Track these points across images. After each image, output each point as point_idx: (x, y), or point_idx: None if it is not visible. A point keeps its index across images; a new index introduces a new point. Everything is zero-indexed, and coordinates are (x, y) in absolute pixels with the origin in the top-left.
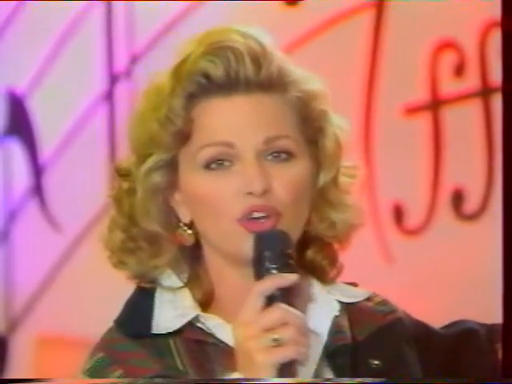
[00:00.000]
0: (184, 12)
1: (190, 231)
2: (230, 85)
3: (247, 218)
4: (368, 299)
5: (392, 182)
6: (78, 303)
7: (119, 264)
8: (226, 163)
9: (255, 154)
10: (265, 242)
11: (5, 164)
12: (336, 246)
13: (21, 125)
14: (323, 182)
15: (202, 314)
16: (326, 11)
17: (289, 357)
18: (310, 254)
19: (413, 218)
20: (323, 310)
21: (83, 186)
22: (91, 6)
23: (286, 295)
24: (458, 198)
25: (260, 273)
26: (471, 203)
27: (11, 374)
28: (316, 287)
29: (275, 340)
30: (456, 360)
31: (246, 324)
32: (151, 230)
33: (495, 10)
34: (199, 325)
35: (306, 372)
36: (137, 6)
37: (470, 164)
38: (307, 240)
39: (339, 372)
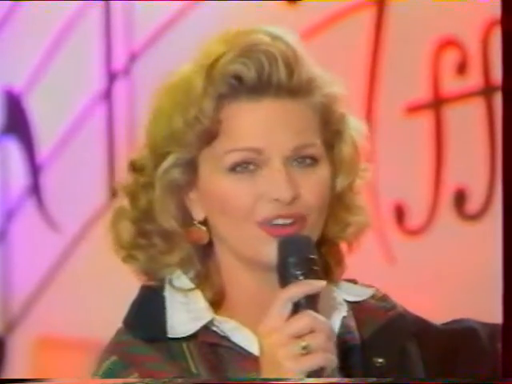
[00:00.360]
0: (182, 10)
1: (204, 228)
2: (260, 87)
3: (270, 223)
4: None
5: (393, 182)
6: (76, 304)
7: (129, 258)
8: (251, 167)
9: (282, 159)
10: (290, 248)
11: (2, 163)
12: (344, 246)
13: (18, 123)
14: (341, 187)
15: (216, 317)
16: (327, 9)
17: (318, 364)
18: (320, 254)
19: (414, 218)
20: (334, 310)
21: (81, 185)
22: (89, 5)
23: (312, 302)
24: (460, 198)
25: (286, 279)
26: (473, 203)
27: (9, 374)
28: (326, 288)
29: (304, 347)
30: (455, 357)
31: (272, 331)
32: (167, 226)
33: (497, 8)
34: (214, 328)
35: None
36: (135, 3)
37: (472, 163)
38: (318, 241)
39: (349, 372)
